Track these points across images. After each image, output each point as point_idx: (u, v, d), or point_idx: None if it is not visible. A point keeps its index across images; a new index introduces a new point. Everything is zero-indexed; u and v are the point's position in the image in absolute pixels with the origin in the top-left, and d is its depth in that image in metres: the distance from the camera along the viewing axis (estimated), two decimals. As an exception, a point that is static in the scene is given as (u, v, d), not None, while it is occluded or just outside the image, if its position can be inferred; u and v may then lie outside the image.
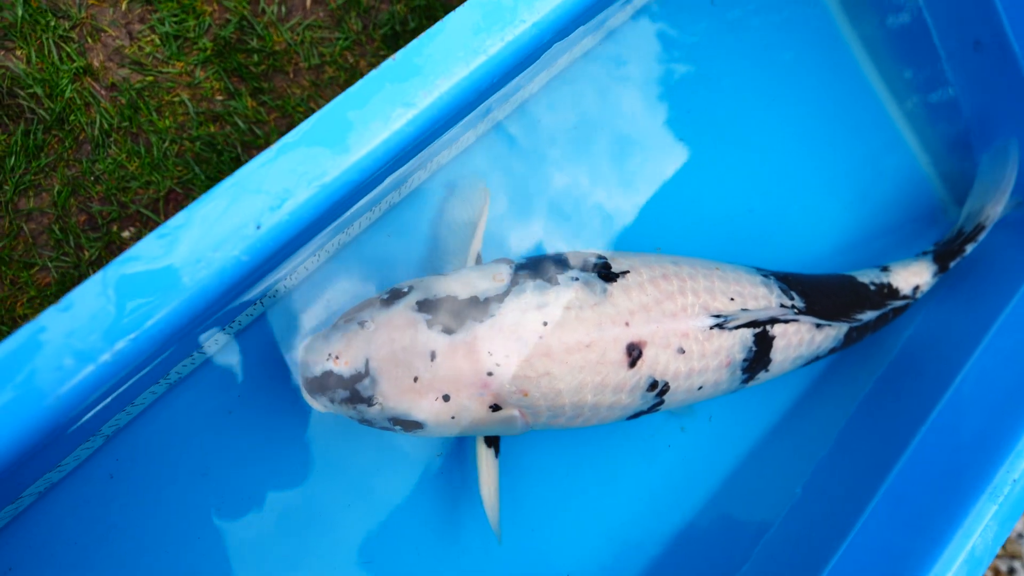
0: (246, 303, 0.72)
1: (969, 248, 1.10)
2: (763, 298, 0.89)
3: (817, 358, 0.99)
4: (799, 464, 1.12)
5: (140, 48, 0.97)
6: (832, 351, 1.00)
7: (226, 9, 1.01)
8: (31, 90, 0.92)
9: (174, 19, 0.98)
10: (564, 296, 0.77)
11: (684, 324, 0.81)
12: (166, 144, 0.97)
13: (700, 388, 0.86)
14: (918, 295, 1.07)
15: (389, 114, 0.57)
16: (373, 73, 0.57)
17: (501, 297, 0.76)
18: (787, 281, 0.95)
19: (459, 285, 0.78)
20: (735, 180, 1.13)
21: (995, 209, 1.09)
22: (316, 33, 1.05)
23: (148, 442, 0.86)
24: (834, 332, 0.96)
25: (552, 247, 1.01)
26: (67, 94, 0.93)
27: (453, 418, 0.76)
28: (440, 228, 0.94)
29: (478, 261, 0.88)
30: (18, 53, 0.92)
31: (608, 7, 0.76)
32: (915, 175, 1.25)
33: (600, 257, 0.84)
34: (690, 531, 1.06)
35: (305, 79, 1.05)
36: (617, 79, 1.05)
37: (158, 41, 0.97)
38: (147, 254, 0.52)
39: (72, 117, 0.93)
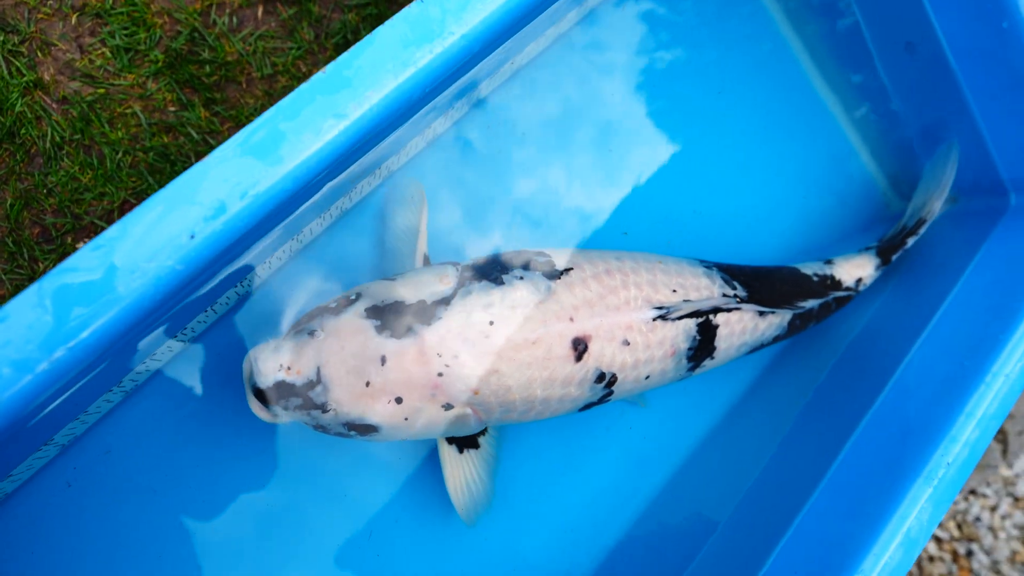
0: (193, 310, 0.74)
1: (910, 242, 1.14)
2: (705, 289, 0.92)
3: (762, 345, 1.02)
4: (755, 453, 1.16)
5: (91, 61, 0.98)
6: (777, 339, 1.03)
7: (177, 21, 1.02)
8: (-19, 105, 0.93)
9: (124, 32, 0.99)
10: (509, 295, 0.80)
11: (627, 317, 0.83)
12: (119, 155, 0.98)
13: (647, 377, 0.89)
14: (861, 287, 1.11)
15: (320, 125, 0.59)
16: (304, 86, 0.59)
17: (448, 299, 0.79)
18: (730, 272, 0.99)
19: (406, 289, 0.80)
20: (683, 177, 1.16)
21: (935, 205, 1.14)
22: (268, 43, 1.07)
23: (107, 449, 0.87)
24: (777, 320, 0.99)
25: (514, 242, 1.04)
26: (17, 108, 0.93)
27: (407, 419, 0.78)
28: (384, 232, 0.96)
29: (426, 261, 0.90)
30: (-33, 68, 0.93)
31: (537, 17, 0.78)
32: (860, 174, 1.29)
33: (544, 255, 0.87)
34: (644, 523, 1.09)
35: (258, 89, 1.06)
36: (562, 78, 1.08)
37: (109, 54, 0.99)
38: (83, 265, 0.53)
39: (23, 131, 0.94)
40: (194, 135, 1.02)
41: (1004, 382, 0.96)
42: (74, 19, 0.98)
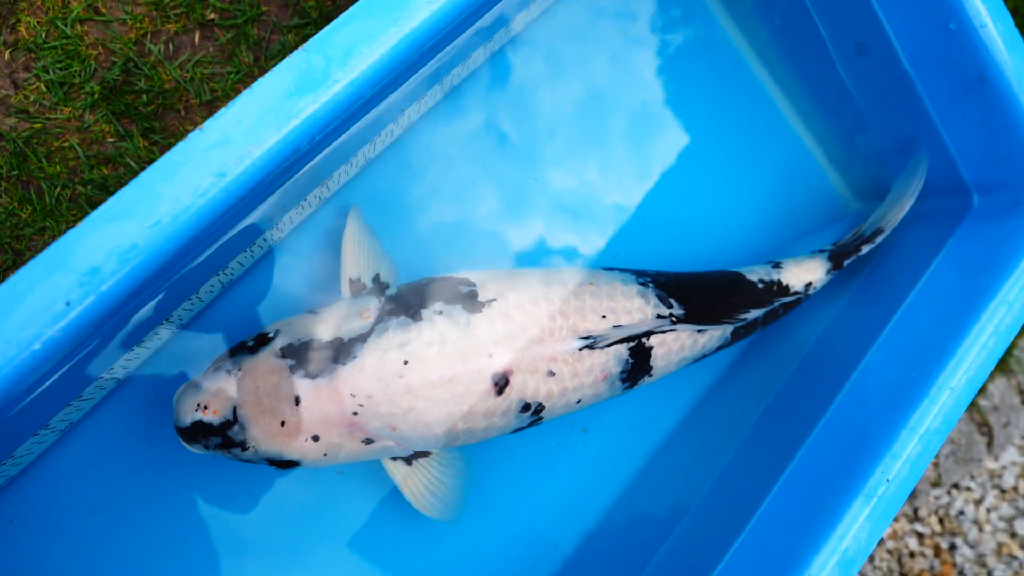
0: (98, 359, 0.74)
1: (865, 249, 1.12)
2: (638, 311, 0.90)
3: (705, 355, 1.01)
4: (707, 464, 1.15)
5: (26, 96, 0.99)
6: (721, 347, 1.02)
7: (111, 52, 1.02)
8: (-83, 146, 0.94)
9: (59, 65, 0.99)
10: (426, 333, 0.80)
11: (551, 349, 0.83)
12: (58, 189, 0.99)
13: (579, 401, 0.89)
14: (810, 291, 1.09)
15: (199, 184, 0.59)
16: (181, 144, 0.59)
17: (364, 337, 0.79)
18: (667, 287, 0.96)
19: (324, 326, 0.80)
20: (632, 183, 1.14)
21: (896, 216, 1.11)
22: (206, 69, 1.07)
23: (49, 485, 0.89)
24: (719, 332, 0.98)
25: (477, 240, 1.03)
26: (-47, 147, 0.95)
27: (326, 455, 0.80)
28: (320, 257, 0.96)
29: (356, 285, 0.89)
30: (-99, 110, 0.94)
31: (430, 60, 0.77)
32: (817, 176, 1.27)
33: (469, 284, 0.86)
34: (603, 527, 1.10)
35: (197, 115, 1.06)
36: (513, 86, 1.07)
37: (44, 88, 0.99)
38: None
39: (-40, 169, 0.96)
40: (133, 165, 1.02)
41: (949, 395, 0.95)
42: (7, 55, 0.99)
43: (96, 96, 1.01)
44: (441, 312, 0.81)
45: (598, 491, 1.12)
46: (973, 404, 1.79)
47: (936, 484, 1.73)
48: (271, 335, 0.80)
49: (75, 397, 0.80)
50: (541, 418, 0.87)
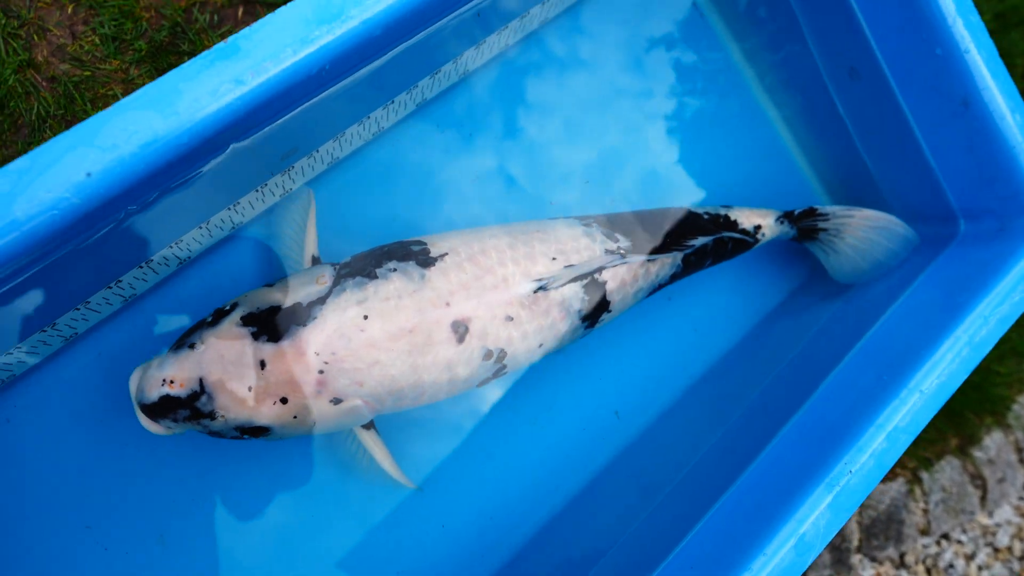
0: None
1: (818, 210, 1.13)
2: (586, 249, 0.93)
3: (661, 286, 1.03)
4: (689, 450, 1.16)
5: (81, 47, 1.09)
6: (675, 276, 1.04)
7: (162, 16, 1.12)
8: (-22, 78, 1.04)
9: (114, 22, 1.10)
10: (383, 289, 0.82)
11: (506, 294, 0.86)
12: (97, 131, 1.08)
13: (540, 346, 0.91)
14: (760, 236, 1.11)
15: (218, 87, 0.66)
16: (206, 52, 0.67)
17: (323, 299, 0.81)
18: (611, 224, 0.98)
19: (282, 294, 0.82)
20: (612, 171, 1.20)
21: (860, 212, 1.12)
22: (245, 40, 1.16)
23: (49, 392, 0.94)
24: (670, 259, 1.00)
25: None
26: (9, 82, 1.04)
27: (296, 417, 0.81)
28: (276, 242, 0.99)
29: (316, 262, 0.93)
30: (-31, 46, 1.04)
31: (451, 12, 0.85)
32: (805, 193, 1.32)
33: (421, 244, 0.89)
34: (562, 516, 1.11)
35: (232, 81, 1.15)
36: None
37: (98, 41, 1.09)
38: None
39: (12, 103, 1.05)
40: (168, 118, 1.11)
41: (919, 398, 0.97)
42: (70, 8, 1.09)
43: (143, 53, 1.11)
44: (395, 269, 0.84)
45: (569, 475, 1.14)
46: (967, 455, 1.77)
47: (925, 532, 1.71)
48: (229, 308, 0.82)
49: (83, 300, 0.85)
50: (505, 367, 0.89)
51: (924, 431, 1.74)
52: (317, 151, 0.96)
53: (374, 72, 0.82)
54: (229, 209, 0.92)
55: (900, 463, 1.72)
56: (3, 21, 1.05)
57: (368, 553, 1.02)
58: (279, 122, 0.77)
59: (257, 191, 0.93)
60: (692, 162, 1.25)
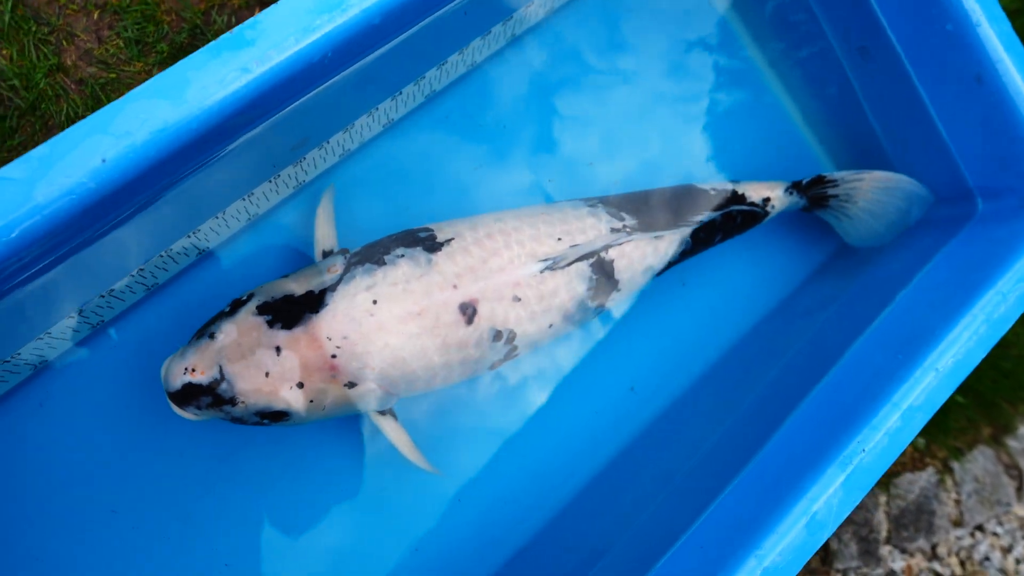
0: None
1: (827, 177, 1.11)
2: (591, 228, 0.94)
3: (671, 264, 1.03)
4: (701, 436, 1.16)
5: (107, 50, 1.14)
6: (685, 254, 1.03)
7: (182, 19, 1.17)
8: (11, 82, 1.09)
9: (137, 26, 1.14)
10: (391, 274, 0.85)
11: (513, 275, 0.87)
12: (122, 131, 1.13)
13: (551, 326, 0.92)
14: (769, 208, 1.10)
15: (225, 76, 0.69)
16: (213, 42, 0.70)
17: (334, 287, 0.84)
18: (616, 204, 0.98)
19: (296, 284, 0.86)
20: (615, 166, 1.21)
21: (871, 175, 1.11)
22: (262, 41, 1.20)
23: (78, 379, 0.98)
24: (678, 236, 1.00)
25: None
26: (40, 86, 1.10)
27: (313, 401, 0.84)
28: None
29: (328, 255, 0.95)
30: (3, 52, 1.10)
31: (447, 5, 0.87)
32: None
33: (427, 231, 0.91)
34: (579, 499, 1.12)
35: (250, 80, 1.19)
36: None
37: (122, 44, 1.14)
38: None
39: (43, 106, 1.10)
40: (189, 117, 1.15)
41: (934, 376, 0.96)
42: (96, 15, 1.14)
43: (165, 55, 1.15)
44: (403, 255, 0.87)
45: (586, 459, 1.14)
46: (1001, 444, 1.72)
47: (958, 523, 1.67)
48: (245, 298, 0.85)
49: (107, 288, 0.89)
50: (516, 348, 0.91)
51: (954, 420, 1.70)
52: (328, 143, 0.99)
53: (377, 61, 0.84)
54: (244, 200, 0.95)
55: (929, 452, 1.68)
56: (34, 28, 1.11)
57: (383, 532, 1.04)
58: (286, 110, 0.79)
59: (271, 182, 0.97)
60: (696, 146, 1.25)
